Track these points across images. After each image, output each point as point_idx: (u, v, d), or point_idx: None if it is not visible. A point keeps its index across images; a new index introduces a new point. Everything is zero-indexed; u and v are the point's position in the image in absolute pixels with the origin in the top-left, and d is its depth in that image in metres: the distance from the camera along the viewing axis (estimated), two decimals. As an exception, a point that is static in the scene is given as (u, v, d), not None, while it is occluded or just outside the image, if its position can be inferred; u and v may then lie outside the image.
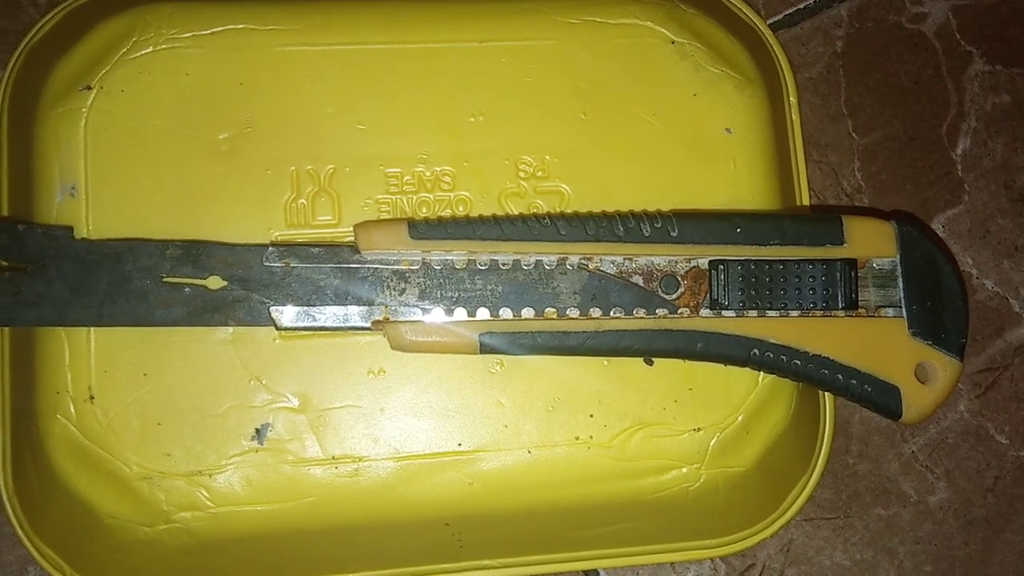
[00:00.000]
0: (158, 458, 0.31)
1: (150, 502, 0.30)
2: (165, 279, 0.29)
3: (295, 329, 0.30)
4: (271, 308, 0.30)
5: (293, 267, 0.30)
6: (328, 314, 0.30)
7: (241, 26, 0.33)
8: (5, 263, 0.29)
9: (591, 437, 0.32)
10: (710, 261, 0.30)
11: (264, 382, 0.31)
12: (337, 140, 0.33)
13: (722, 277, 0.30)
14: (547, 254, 0.30)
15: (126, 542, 0.31)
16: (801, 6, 0.40)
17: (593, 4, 0.34)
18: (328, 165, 0.33)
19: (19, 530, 0.30)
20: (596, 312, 0.30)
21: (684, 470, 0.33)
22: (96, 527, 0.31)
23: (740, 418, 0.33)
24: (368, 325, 0.30)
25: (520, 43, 0.34)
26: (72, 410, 0.30)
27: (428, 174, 0.33)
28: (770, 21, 0.39)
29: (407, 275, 0.30)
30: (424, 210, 0.33)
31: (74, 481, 0.31)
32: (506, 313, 0.30)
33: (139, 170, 0.32)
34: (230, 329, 0.31)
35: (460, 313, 0.30)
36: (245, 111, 0.32)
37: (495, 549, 0.32)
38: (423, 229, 0.30)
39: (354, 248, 0.30)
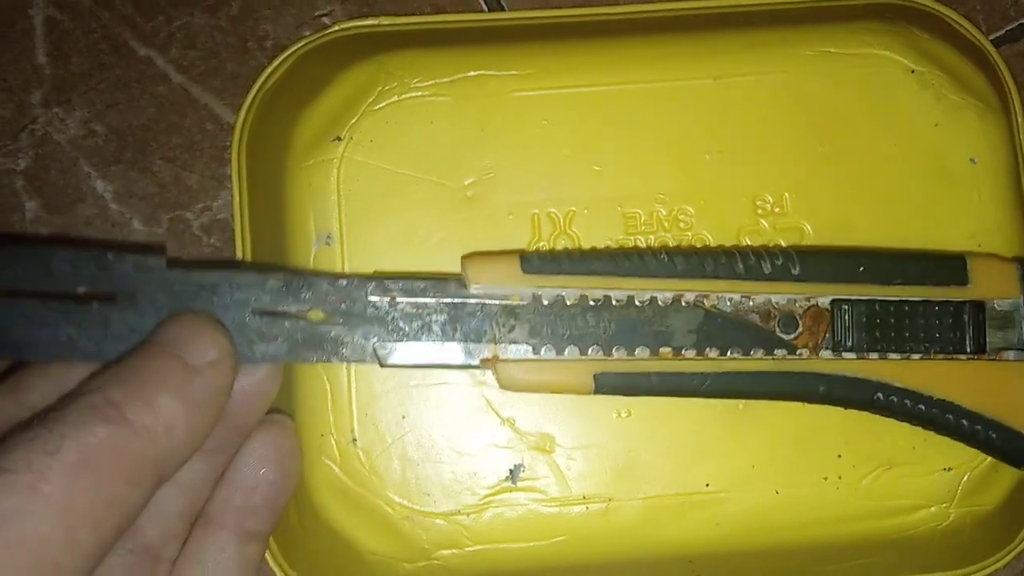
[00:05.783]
0: (419, 497, 0.32)
1: (411, 540, 0.32)
2: (264, 311, 0.27)
3: (400, 366, 0.29)
4: (375, 344, 0.28)
5: (398, 301, 0.28)
6: (435, 351, 0.28)
7: (479, 72, 0.33)
8: (95, 295, 0.27)
9: (839, 477, 0.32)
10: (832, 301, 0.29)
11: (515, 424, 0.32)
12: (575, 182, 0.33)
13: (845, 318, 0.29)
14: (662, 291, 0.29)
15: (385, 577, 0.32)
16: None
17: (828, 34, 0.34)
18: (567, 208, 0.33)
19: (273, 564, 0.31)
20: (713, 352, 0.29)
21: (933, 509, 0.32)
22: (356, 563, 0.32)
23: (989, 457, 0.32)
24: (476, 363, 0.29)
25: (754, 77, 0.33)
26: (336, 452, 0.32)
27: (665, 213, 0.33)
28: (992, 37, 0.38)
29: (517, 311, 0.28)
30: (661, 249, 0.33)
31: (337, 520, 0.32)
32: (620, 352, 0.29)
33: (390, 217, 0.32)
34: (480, 373, 0.32)
35: (572, 351, 0.28)
36: (487, 156, 0.33)
37: (734, 584, 0.33)
38: (536, 263, 0.29)
39: (461, 281, 0.28)
